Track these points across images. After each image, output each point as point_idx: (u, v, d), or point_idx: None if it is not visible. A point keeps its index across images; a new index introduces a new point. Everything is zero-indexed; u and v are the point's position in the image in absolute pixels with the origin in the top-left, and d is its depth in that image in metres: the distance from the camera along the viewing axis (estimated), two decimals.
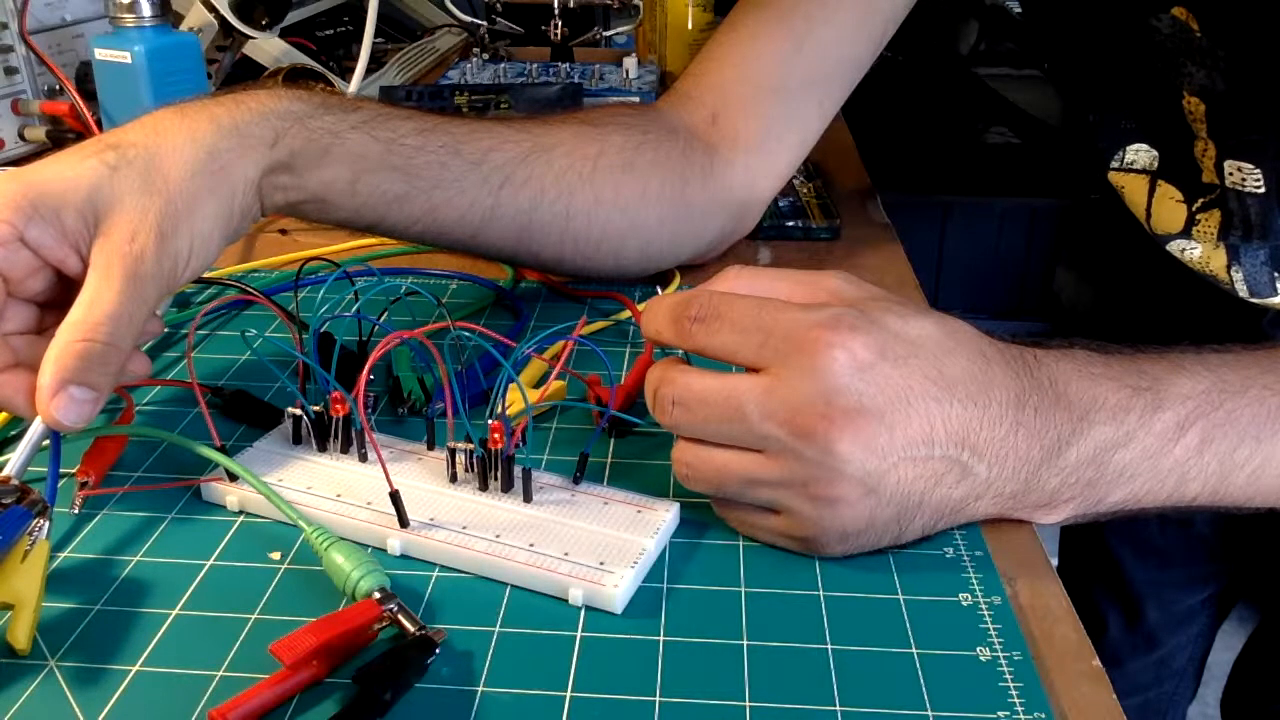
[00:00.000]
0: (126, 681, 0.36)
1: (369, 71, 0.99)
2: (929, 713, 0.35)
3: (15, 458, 0.42)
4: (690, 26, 1.13)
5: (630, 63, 1.07)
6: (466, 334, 0.49)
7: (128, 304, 0.43)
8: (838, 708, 0.35)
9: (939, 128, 2.21)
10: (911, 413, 0.39)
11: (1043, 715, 0.35)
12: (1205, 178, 0.61)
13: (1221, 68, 0.56)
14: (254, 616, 0.39)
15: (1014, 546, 0.43)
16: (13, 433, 0.50)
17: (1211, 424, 0.41)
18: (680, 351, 0.43)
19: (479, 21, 1.21)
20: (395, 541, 0.42)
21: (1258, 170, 0.57)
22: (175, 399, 0.54)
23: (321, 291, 0.58)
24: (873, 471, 0.39)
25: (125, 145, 0.46)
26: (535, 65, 1.12)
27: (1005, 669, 0.37)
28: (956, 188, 2.19)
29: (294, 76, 0.97)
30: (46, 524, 0.40)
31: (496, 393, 0.44)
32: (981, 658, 0.37)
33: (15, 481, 0.41)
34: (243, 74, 1.03)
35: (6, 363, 0.43)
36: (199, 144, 0.47)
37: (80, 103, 0.85)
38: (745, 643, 0.38)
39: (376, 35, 0.97)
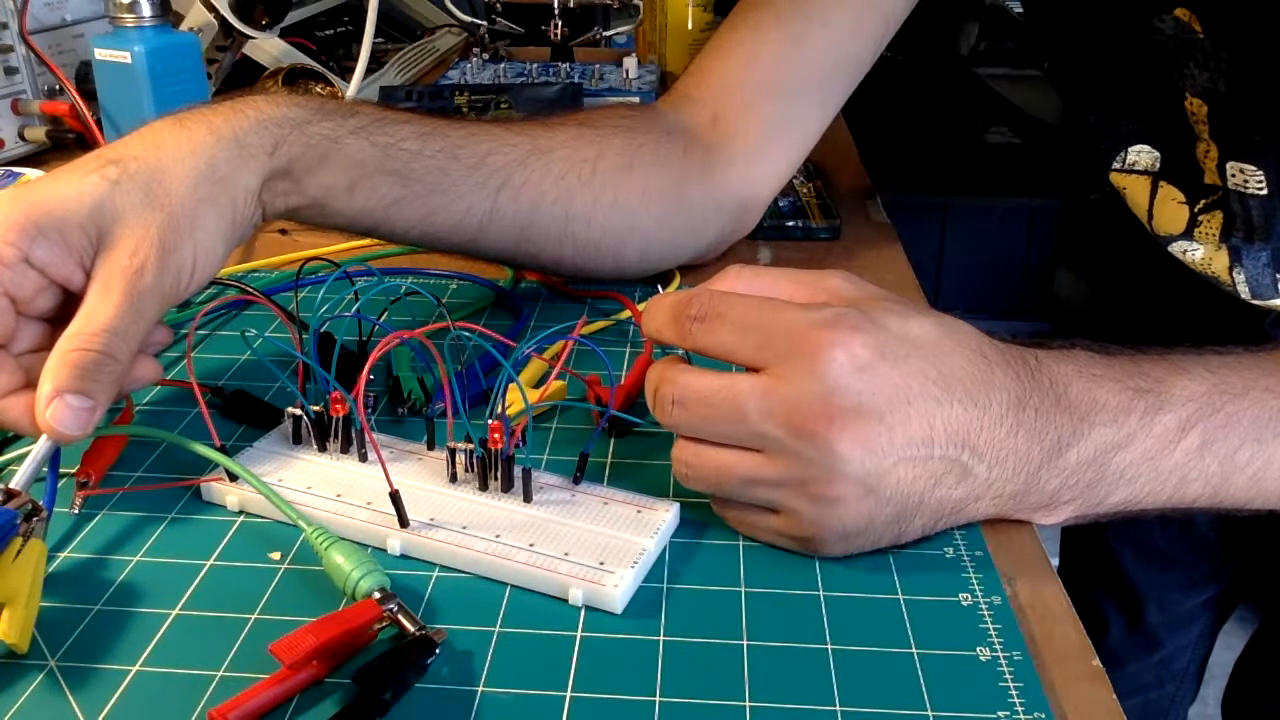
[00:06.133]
0: (126, 681, 0.36)
1: (369, 72, 0.99)
2: (929, 713, 0.35)
3: (21, 471, 0.41)
4: (690, 26, 1.13)
5: (630, 63, 1.07)
6: (466, 334, 0.49)
7: (125, 316, 0.43)
8: (838, 708, 0.35)
9: (939, 128, 2.21)
10: (911, 413, 0.39)
11: (1043, 715, 0.35)
12: (1207, 179, 0.61)
13: (1224, 69, 0.56)
14: (254, 616, 0.39)
15: (1014, 546, 0.43)
16: (11, 432, 0.50)
17: (1212, 426, 0.41)
18: (680, 351, 0.43)
19: (479, 21, 1.21)
20: (395, 541, 0.42)
21: (1260, 172, 0.57)
22: (175, 399, 0.54)
23: (321, 291, 0.58)
24: (872, 471, 0.39)
25: (126, 159, 0.46)
26: (535, 65, 1.12)
27: (1005, 669, 0.37)
28: (956, 188, 2.19)
29: (294, 76, 0.97)
30: (40, 524, 0.40)
31: (496, 393, 0.44)
32: (981, 658, 0.37)
33: (3, 485, 0.41)
34: (243, 74, 1.03)
35: (18, 384, 0.43)
36: (199, 156, 0.47)
37: (80, 103, 0.85)
38: (745, 643, 0.38)
39: (376, 35, 0.97)
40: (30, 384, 0.43)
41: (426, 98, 0.94)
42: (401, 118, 0.55)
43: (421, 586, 0.41)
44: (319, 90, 0.97)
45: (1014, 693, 0.36)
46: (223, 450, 0.45)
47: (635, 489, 0.45)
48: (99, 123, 0.84)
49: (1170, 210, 0.63)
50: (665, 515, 0.43)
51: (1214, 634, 0.91)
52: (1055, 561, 0.43)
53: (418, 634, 0.37)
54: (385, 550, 0.42)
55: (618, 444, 0.50)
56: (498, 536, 0.42)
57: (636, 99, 1.00)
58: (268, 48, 1.03)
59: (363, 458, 0.47)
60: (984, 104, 2.20)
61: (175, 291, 0.45)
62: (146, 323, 0.44)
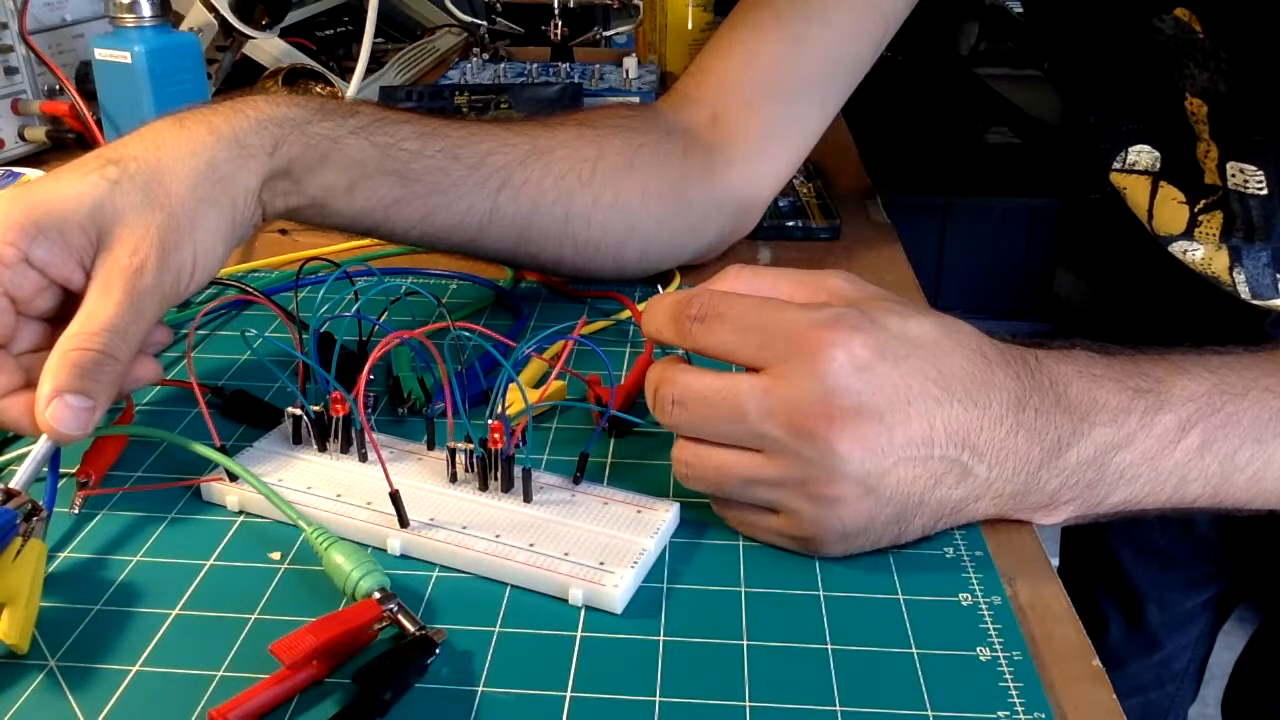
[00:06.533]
0: (126, 681, 0.36)
1: (369, 72, 0.99)
2: (929, 713, 0.35)
3: (21, 471, 0.41)
4: (690, 26, 1.13)
5: (630, 63, 1.07)
6: (466, 334, 0.49)
7: (124, 316, 0.43)
8: (838, 708, 0.35)
9: (939, 128, 2.21)
10: (911, 413, 0.39)
11: (1043, 715, 0.35)
12: (1207, 179, 0.61)
13: (1224, 69, 0.56)
14: (254, 616, 0.39)
15: (1014, 546, 0.43)
16: (11, 433, 0.50)
17: (1212, 426, 0.41)
18: (680, 351, 0.43)
19: (479, 21, 1.21)
20: (395, 541, 0.42)
21: (1260, 172, 0.57)
22: (175, 399, 0.54)
23: (321, 291, 0.58)
24: (872, 471, 0.39)
25: (126, 159, 0.46)
26: (535, 65, 1.12)
27: (1005, 669, 0.37)
28: (956, 188, 2.19)
29: (294, 76, 0.97)
30: (40, 524, 0.40)
31: (496, 393, 0.44)
32: (981, 658, 0.37)
33: (3, 485, 0.41)
34: (243, 74, 1.03)
35: (18, 384, 0.43)
36: (199, 156, 0.47)
37: (80, 103, 0.85)
38: (745, 643, 0.38)
39: (376, 35, 0.97)
40: (30, 384, 0.43)
41: (426, 98, 0.94)
42: (401, 118, 0.55)
43: (421, 586, 0.41)
44: (319, 90, 0.97)
45: (1014, 693, 0.36)
46: (223, 450, 0.45)
47: (635, 489, 0.45)
48: (99, 123, 0.84)
49: (1170, 210, 0.63)
50: (665, 515, 0.43)
51: (1214, 634, 0.91)
52: (1055, 561, 0.43)
53: (418, 634, 0.37)
54: (385, 550, 0.42)
55: (618, 444, 0.50)
56: (498, 536, 0.42)
57: (636, 99, 1.00)
58: (268, 48, 1.03)
59: (363, 458, 0.47)
60: (984, 104, 2.20)
61: (175, 291, 0.45)
62: (146, 322, 0.44)
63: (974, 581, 0.41)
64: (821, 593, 0.40)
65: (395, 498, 0.42)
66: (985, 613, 0.39)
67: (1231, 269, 0.62)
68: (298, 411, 0.47)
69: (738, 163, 0.64)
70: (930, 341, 0.40)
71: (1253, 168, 0.57)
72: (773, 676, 0.37)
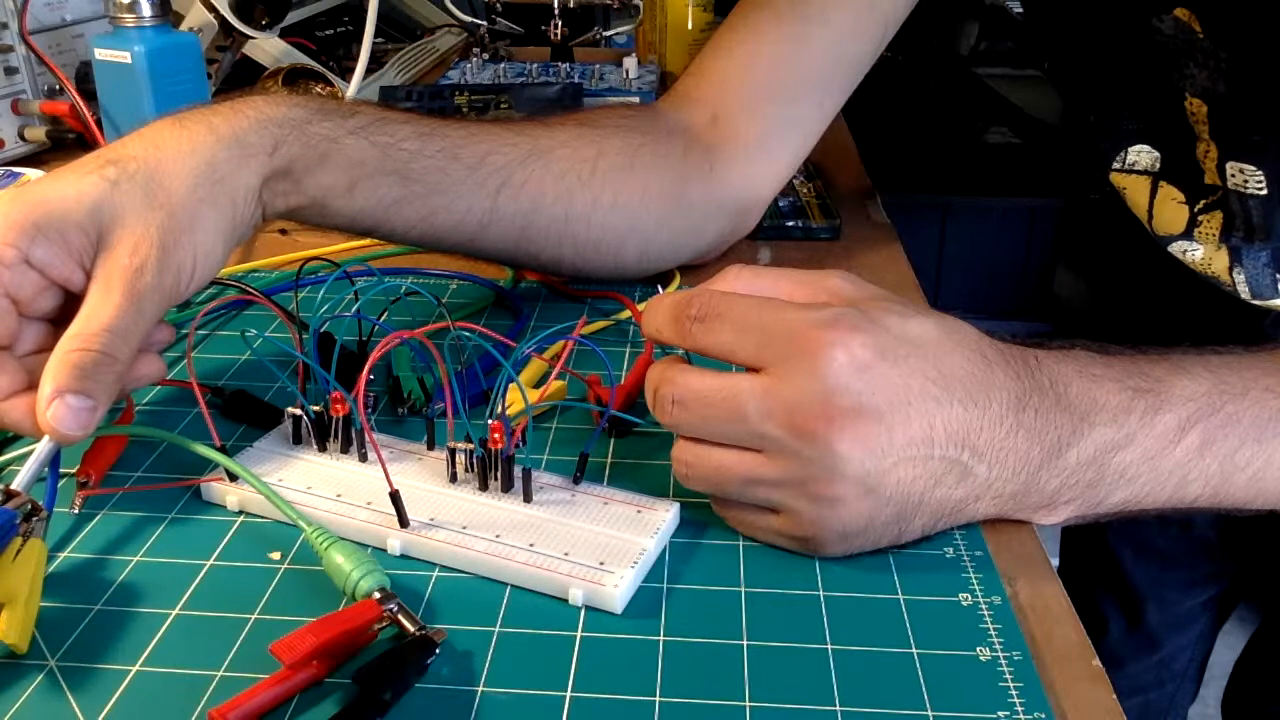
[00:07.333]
0: (126, 681, 0.36)
1: (369, 72, 0.99)
2: (929, 713, 0.35)
3: (22, 472, 0.41)
4: (690, 26, 1.13)
5: (630, 63, 1.07)
6: (466, 334, 0.49)
7: (125, 316, 0.43)
8: (838, 708, 0.35)
9: (939, 128, 2.21)
10: (911, 413, 0.39)
11: (1043, 715, 0.35)
12: (1207, 179, 0.61)
13: (1224, 69, 0.56)
14: (254, 616, 0.39)
15: (1014, 546, 0.43)
16: (10, 433, 0.50)
17: (1212, 426, 0.41)
18: (680, 351, 0.43)
19: (479, 21, 1.21)
20: (395, 541, 0.42)
21: (1260, 172, 0.57)
22: (175, 399, 0.54)
23: (321, 291, 0.58)
24: (872, 471, 0.39)
25: (125, 159, 0.46)
26: (535, 65, 1.12)
27: (1005, 669, 0.37)
28: (956, 188, 2.19)
29: (294, 76, 0.97)
30: (40, 524, 0.40)
31: (496, 393, 0.44)
32: (981, 658, 0.37)
33: (3, 485, 0.41)
34: (243, 74, 1.03)
35: (20, 385, 0.43)
36: (199, 155, 0.47)
37: (80, 103, 0.85)
38: (745, 643, 0.38)
39: (376, 35, 0.97)
40: (33, 385, 0.43)
41: (426, 98, 0.94)
42: (401, 118, 0.55)
43: (421, 586, 0.41)
44: (319, 90, 0.97)
45: (1014, 693, 0.36)
46: (223, 450, 0.45)
47: (635, 489, 0.45)
48: (99, 123, 0.84)
49: (1170, 210, 0.63)
50: (665, 515, 0.43)
51: (1214, 634, 0.91)
52: (1055, 561, 0.43)
53: (418, 634, 0.37)
54: (385, 550, 0.42)
55: (618, 444, 0.50)
56: (498, 536, 0.42)
57: (636, 99, 1.00)
58: (268, 48, 1.03)
59: (363, 458, 0.47)
60: (984, 104, 2.20)
61: (175, 291, 0.45)
62: (147, 322, 0.44)
63: (974, 581, 0.41)
64: (821, 593, 0.40)
65: (395, 498, 0.42)
66: (985, 613, 0.39)
67: (1231, 269, 0.62)
68: (298, 411, 0.47)
69: (738, 163, 0.64)
70: (930, 341, 0.40)
71: (1252, 168, 0.57)
72: (773, 676, 0.37)
